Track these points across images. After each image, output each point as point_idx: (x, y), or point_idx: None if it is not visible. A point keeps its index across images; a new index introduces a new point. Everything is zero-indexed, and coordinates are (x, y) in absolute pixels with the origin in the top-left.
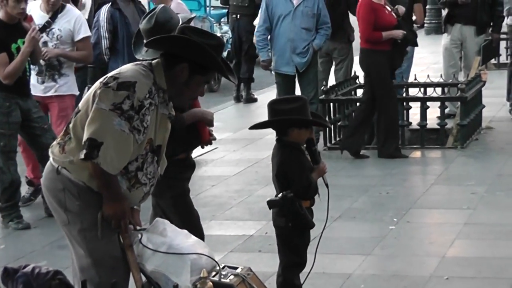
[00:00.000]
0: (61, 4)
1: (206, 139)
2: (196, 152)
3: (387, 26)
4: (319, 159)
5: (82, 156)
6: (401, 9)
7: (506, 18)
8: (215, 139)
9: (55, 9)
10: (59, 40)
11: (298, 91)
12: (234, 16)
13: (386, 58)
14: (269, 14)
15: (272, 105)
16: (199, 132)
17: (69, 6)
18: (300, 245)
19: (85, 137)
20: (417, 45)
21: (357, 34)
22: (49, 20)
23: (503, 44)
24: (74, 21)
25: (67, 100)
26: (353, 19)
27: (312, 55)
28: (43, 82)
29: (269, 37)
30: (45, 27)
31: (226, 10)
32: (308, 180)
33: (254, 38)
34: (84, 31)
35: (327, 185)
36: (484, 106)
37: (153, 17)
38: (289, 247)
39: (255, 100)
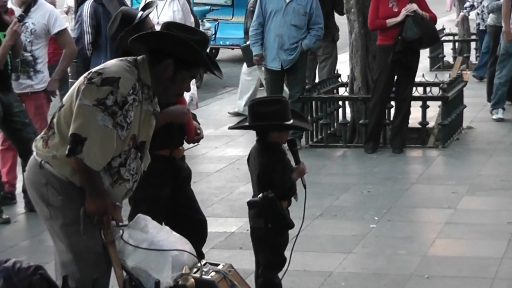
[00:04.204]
0: None
1: (192, 137)
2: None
3: (382, 18)
4: (299, 159)
5: (67, 152)
6: (411, 6)
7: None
8: (202, 137)
9: (28, 3)
10: (33, 34)
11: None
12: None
13: (385, 53)
14: (262, 10)
15: (252, 107)
16: (185, 129)
17: (41, 0)
18: (279, 246)
19: (69, 133)
20: (429, 45)
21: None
22: (22, 14)
23: (473, 44)
24: (48, 14)
25: (42, 96)
26: (337, 18)
27: (299, 54)
28: (17, 79)
29: None
30: (18, 21)
31: (209, 7)
32: (290, 181)
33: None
34: (60, 24)
35: (305, 186)
36: (465, 106)
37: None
38: (268, 248)
39: None
